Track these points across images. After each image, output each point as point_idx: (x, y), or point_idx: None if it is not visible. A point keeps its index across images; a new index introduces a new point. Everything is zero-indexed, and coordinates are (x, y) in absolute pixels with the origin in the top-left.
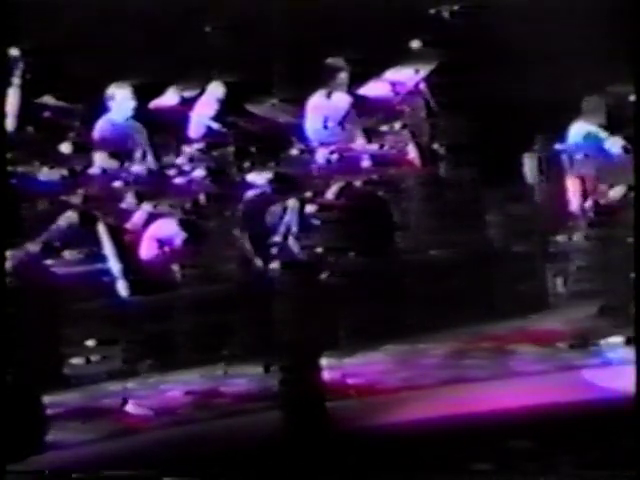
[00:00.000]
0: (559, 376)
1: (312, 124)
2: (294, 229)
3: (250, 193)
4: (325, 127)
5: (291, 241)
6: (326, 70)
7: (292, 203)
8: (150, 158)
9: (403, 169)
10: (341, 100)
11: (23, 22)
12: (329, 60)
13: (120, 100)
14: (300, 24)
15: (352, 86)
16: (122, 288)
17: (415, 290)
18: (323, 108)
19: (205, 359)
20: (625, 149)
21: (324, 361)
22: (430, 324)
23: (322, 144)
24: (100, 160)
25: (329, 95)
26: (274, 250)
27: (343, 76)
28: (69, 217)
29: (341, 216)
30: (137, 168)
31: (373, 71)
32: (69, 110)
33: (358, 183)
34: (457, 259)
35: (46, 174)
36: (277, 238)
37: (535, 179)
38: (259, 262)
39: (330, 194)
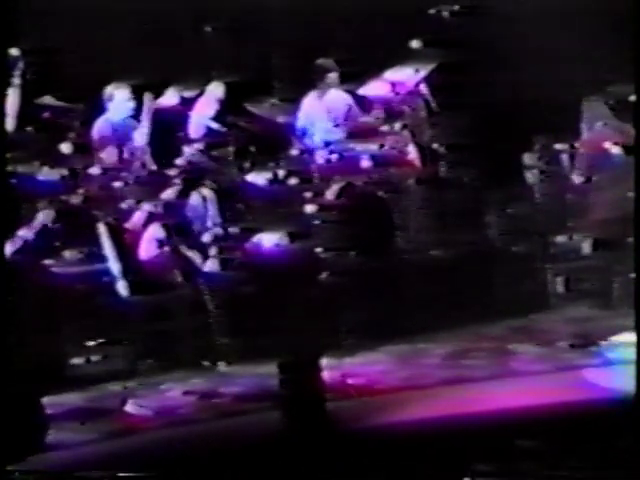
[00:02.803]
0: (559, 376)
1: (312, 124)
2: (218, 219)
3: (167, 193)
4: (325, 127)
5: (218, 231)
6: (315, 72)
7: (208, 194)
8: (149, 158)
9: (403, 169)
10: (340, 100)
11: (23, 22)
12: (318, 61)
13: (119, 100)
14: (300, 24)
15: (351, 86)
16: (122, 288)
17: (415, 290)
18: (320, 108)
19: (205, 359)
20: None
21: (324, 361)
22: (430, 324)
23: (322, 144)
24: (99, 160)
25: (324, 94)
26: (209, 244)
27: (332, 76)
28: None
29: (341, 216)
30: (137, 168)
31: (373, 71)
32: (69, 110)
33: (358, 183)
34: (457, 259)
35: (46, 174)
36: (207, 231)
37: (535, 179)
38: (197, 260)
39: (330, 194)
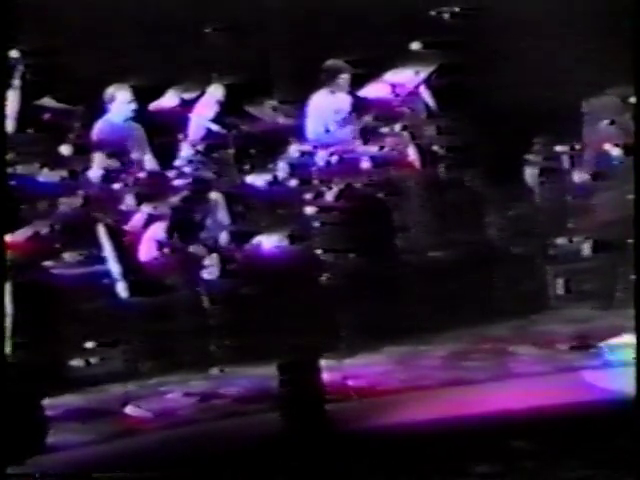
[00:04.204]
0: (559, 377)
1: (312, 125)
2: (226, 223)
3: (174, 198)
4: (325, 129)
5: (224, 236)
6: (326, 72)
7: (218, 197)
8: (150, 159)
9: (403, 171)
10: (341, 101)
11: (23, 23)
12: (329, 62)
13: (119, 101)
14: (300, 25)
15: (352, 87)
16: (122, 289)
17: (415, 291)
18: (323, 109)
19: (205, 360)
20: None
21: (324, 362)
22: (430, 325)
23: (322, 146)
24: (99, 161)
25: (330, 96)
26: (212, 247)
27: (344, 78)
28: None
29: (341, 218)
30: (136, 169)
31: (373, 72)
32: (69, 112)
33: (358, 185)
34: (457, 260)
35: (46, 176)
36: (212, 235)
37: (535, 180)
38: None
39: (330, 196)
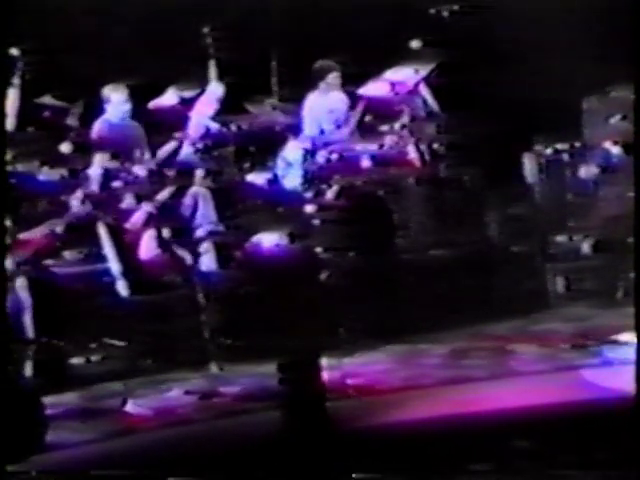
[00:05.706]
0: (559, 376)
1: (307, 127)
2: (214, 217)
3: (162, 194)
4: (320, 130)
5: (212, 228)
6: (316, 73)
7: (203, 191)
8: (149, 158)
9: (403, 169)
10: (335, 101)
11: (23, 22)
12: (317, 63)
13: (118, 100)
14: (300, 24)
15: (352, 86)
16: (122, 288)
17: (415, 290)
18: (317, 110)
19: (205, 359)
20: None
21: (324, 361)
22: (430, 324)
23: (322, 144)
24: (99, 160)
25: (323, 97)
26: (201, 241)
27: (334, 76)
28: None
29: (341, 216)
30: (136, 168)
31: (373, 71)
32: (69, 110)
33: (358, 183)
34: (457, 258)
35: (46, 174)
36: (199, 229)
37: (535, 179)
38: (187, 259)
39: (330, 194)
